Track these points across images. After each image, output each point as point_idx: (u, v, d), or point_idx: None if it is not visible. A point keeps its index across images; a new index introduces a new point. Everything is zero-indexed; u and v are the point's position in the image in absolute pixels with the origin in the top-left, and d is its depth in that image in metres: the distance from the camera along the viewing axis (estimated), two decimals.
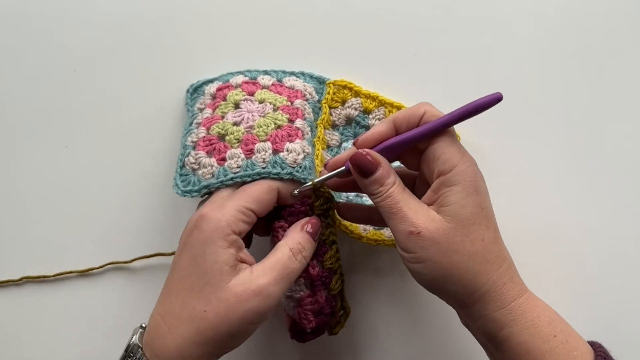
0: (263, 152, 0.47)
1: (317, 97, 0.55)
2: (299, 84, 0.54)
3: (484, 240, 0.41)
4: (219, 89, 0.54)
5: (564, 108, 0.58)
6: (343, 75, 0.57)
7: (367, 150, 0.43)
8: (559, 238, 0.57)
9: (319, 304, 0.47)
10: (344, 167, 0.45)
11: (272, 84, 0.54)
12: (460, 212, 0.41)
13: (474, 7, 0.59)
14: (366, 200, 0.55)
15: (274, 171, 0.46)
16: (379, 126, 0.44)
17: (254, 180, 0.46)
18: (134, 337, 0.43)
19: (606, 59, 0.58)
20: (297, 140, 0.49)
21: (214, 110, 0.52)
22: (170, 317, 0.42)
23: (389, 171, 0.43)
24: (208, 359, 0.42)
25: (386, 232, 0.54)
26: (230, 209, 0.42)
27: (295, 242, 0.44)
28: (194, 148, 0.50)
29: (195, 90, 0.56)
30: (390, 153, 0.44)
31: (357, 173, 0.43)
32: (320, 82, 0.56)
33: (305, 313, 0.47)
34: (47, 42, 0.59)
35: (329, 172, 0.46)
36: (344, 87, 0.56)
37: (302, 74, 0.56)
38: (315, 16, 0.59)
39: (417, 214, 0.41)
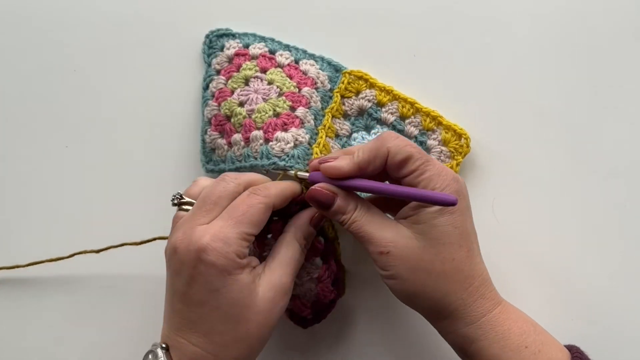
0: (256, 142, 0.49)
1: (329, 86, 0.55)
2: (313, 70, 0.55)
3: (455, 260, 0.41)
4: (237, 54, 0.55)
5: (564, 108, 0.58)
6: None
7: (321, 184, 0.44)
8: (559, 237, 0.56)
9: (334, 273, 0.50)
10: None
11: (288, 64, 0.54)
12: (430, 231, 0.41)
13: (474, 7, 0.59)
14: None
15: (262, 162, 0.49)
16: (342, 165, 0.43)
17: (253, 169, 0.49)
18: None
19: (606, 59, 0.58)
20: (292, 129, 0.50)
21: (227, 79, 0.53)
22: (213, 346, 0.41)
23: (346, 200, 0.43)
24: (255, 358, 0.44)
25: None
26: (234, 239, 0.41)
27: (302, 237, 0.45)
28: (209, 124, 0.53)
29: (214, 42, 0.56)
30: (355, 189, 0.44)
31: (316, 207, 0.44)
32: (337, 70, 0.56)
33: (327, 286, 0.49)
34: (47, 42, 0.59)
35: (312, 168, 0.47)
36: (360, 77, 0.56)
37: (322, 59, 0.56)
38: (314, 16, 0.59)
39: (384, 232, 0.42)
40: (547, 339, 0.43)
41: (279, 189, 0.45)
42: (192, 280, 0.41)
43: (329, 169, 0.43)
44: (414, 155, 0.41)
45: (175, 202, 0.46)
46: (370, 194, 0.48)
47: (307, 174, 0.47)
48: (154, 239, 0.53)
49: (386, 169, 0.43)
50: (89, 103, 0.59)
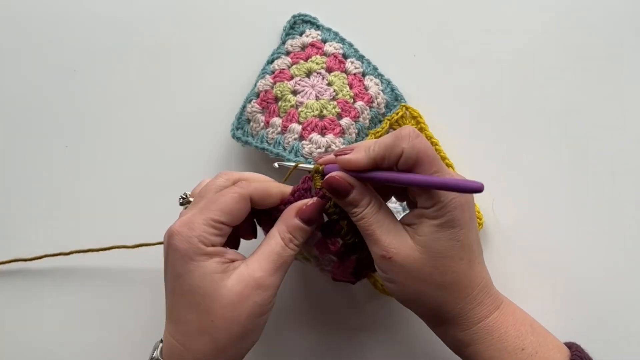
0: (292, 134, 0.50)
1: (383, 110, 0.56)
2: (375, 88, 0.55)
3: (455, 272, 0.41)
4: (312, 44, 0.56)
5: (565, 108, 0.58)
6: None
7: (339, 173, 0.43)
8: (559, 237, 0.57)
9: (351, 268, 0.47)
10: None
11: (355, 74, 0.55)
12: (432, 245, 0.41)
13: (474, 7, 0.59)
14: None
15: (287, 156, 0.50)
16: (357, 158, 0.42)
17: (277, 157, 0.50)
18: (155, 352, 0.43)
19: (607, 59, 0.58)
20: (330, 135, 0.50)
21: (292, 64, 0.54)
22: (181, 335, 0.42)
23: (362, 193, 0.43)
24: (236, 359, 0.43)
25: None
26: (200, 224, 0.41)
27: (286, 230, 0.43)
28: (257, 96, 0.54)
29: (297, 24, 0.57)
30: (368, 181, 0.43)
31: (332, 194, 0.43)
32: (397, 99, 0.56)
33: (342, 275, 0.48)
34: (47, 42, 0.59)
35: (320, 164, 0.45)
36: (414, 117, 0.56)
37: (388, 82, 0.56)
38: (316, 15, 0.59)
39: (389, 237, 0.42)
40: (546, 340, 0.43)
41: (262, 184, 0.45)
42: (165, 266, 0.43)
43: (345, 161, 0.43)
44: (425, 164, 0.41)
45: (181, 201, 0.47)
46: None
47: (310, 167, 0.46)
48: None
49: (397, 167, 0.42)
50: (89, 103, 0.59)
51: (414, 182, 0.41)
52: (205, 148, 0.58)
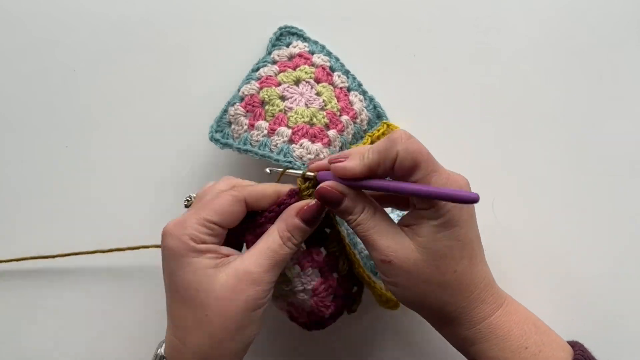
0: (280, 137, 0.50)
1: (365, 127, 0.56)
2: (359, 104, 0.55)
3: (456, 271, 0.41)
4: (299, 55, 0.56)
5: (564, 108, 0.58)
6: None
7: (330, 183, 0.43)
8: (559, 237, 0.57)
9: (333, 288, 0.48)
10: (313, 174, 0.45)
11: (341, 87, 0.55)
12: (432, 245, 0.41)
13: (474, 7, 0.59)
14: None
15: (276, 157, 0.49)
16: (352, 165, 0.42)
17: (262, 158, 0.49)
18: (160, 349, 0.44)
19: (607, 59, 0.58)
20: (318, 144, 0.50)
21: (280, 72, 0.54)
22: (180, 331, 0.42)
23: (355, 200, 0.43)
24: (235, 354, 0.43)
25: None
26: (192, 223, 0.42)
27: (285, 228, 0.44)
28: (241, 99, 0.53)
29: (284, 36, 0.57)
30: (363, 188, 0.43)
31: (325, 204, 0.44)
32: (378, 116, 0.56)
33: (322, 300, 0.48)
34: (47, 42, 0.59)
35: (313, 170, 0.46)
36: None
37: (371, 99, 0.57)
38: (316, 15, 0.59)
39: (387, 240, 0.42)
40: (549, 339, 0.43)
41: (256, 186, 0.46)
42: (162, 265, 0.44)
43: (340, 169, 0.43)
44: (421, 164, 0.41)
45: (186, 203, 0.47)
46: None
47: (311, 174, 0.46)
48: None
49: (393, 171, 0.42)
50: (89, 103, 0.59)
51: (409, 191, 0.40)
52: (203, 148, 0.58)
